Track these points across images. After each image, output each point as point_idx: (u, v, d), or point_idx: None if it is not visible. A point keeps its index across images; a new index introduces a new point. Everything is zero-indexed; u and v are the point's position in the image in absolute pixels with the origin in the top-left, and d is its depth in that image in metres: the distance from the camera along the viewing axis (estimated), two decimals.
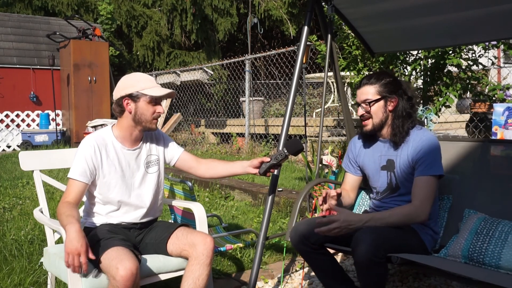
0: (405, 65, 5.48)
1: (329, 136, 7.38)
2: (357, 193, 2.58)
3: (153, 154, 2.32)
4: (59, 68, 10.17)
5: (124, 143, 2.23)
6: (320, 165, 4.07)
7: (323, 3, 2.87)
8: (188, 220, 2.78)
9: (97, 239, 2.02)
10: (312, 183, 2.77)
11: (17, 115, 10.10)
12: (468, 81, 5.23)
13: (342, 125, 7.31)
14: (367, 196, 2.67)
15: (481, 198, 2.44)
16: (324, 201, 2.20)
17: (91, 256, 1.85)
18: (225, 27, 12.82)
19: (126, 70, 12.12)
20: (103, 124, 8.43)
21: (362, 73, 5.58)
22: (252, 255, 3.25)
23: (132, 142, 2.25)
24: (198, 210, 2.44)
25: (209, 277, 2.14)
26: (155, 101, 2.18)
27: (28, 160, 2.42)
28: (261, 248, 2.44)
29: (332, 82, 8.39)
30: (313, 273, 2.59)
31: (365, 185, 2.60)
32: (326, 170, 4.08)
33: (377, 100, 2.26)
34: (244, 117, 9.27)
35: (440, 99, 5.16)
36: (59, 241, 2.35)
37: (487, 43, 5.03)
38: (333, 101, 8.76)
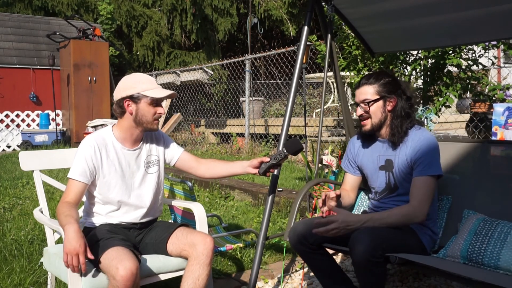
0: (405, 65, 5.48)
1: (329, 136, 7.38)
2: (357, 193, 2.58)
3: (153, 154, 2.32)
4: (59, 68, 10.17)
5: (124, 143, 2.23)
6: (320, 165, 4.07)
7: (323, 3, 2.87)
8: (188, 220, 2.78)
9: (97, 239, 2.02)
10: (311, 183, 2.77)
11: (17, 115, 10.10)
12: (468, 81, 5.23)
13: (342, 125, 7.30)
14: (366, 197, 2.67)
15: (480, 198, 2.44)
16: (324, 203, 2.20)
17: (90, 256, 1.85)
18: (225, 27, 12.82)
19: (126, 70, 12.13)
20: (103, 124, 8.43)
21: (362, 73, 5.58)
22: (252, 255, 3.25)
23: (133, 143, 2.25)
24: (198, 210, 2.44)
25: (209, 277, 2.14)
26: (156, 102, 2.19)
27: (28, 160, 2.42)
28: (261, 248, 2.44)
29: (332, 82, 8.40)
30: (313, 273, 2.59)
31: (364, 186, 2.60)
32: (326, 170, 4.08)
33: (376, 100, 2.26)
34: (244, 117, 9.28)
35: (440, 99, 5.16)
36: (59, 241, 2.35)
37: (487, 43, 5.03)
38: (333, 101, 8.76)
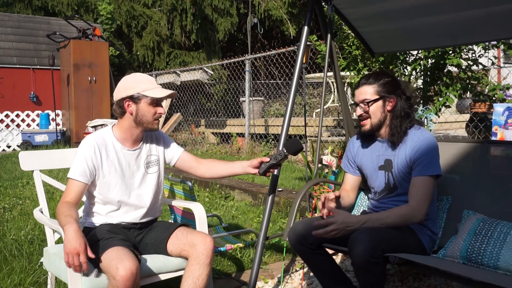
0: (405, 65, 5.48)
1: (329, 136, 7.38)
2: (357, 193, 2.58)
3: (153, 154, 2.32)
4: (59, 68, 10.17)
5: (124, 144, 2.23)
6: (320, 165, 4.07)
7: (323, 3, 2.87)
8: (188, 220, 2.78)
9: (97, 239, 2.02)
10: (311, 183, 2.77)
11: (17, 115, 10.11)
12: (468, 81, 5.23)
13: (342, 125, 7.30)
14: (366, 197, 2.67)
15: (480, 198, 2.44)
16: (323, 205, 2.20)
17: (91, 255, 1.85)
18: (225, 27, 12.83)
19: (126, 70, 12.13)
20: (103, 124, 8.43)
21: (362, 73, 5.58)
22: (252, 255, 3.25)
23: (133, 143, 2.25)
24: (198, 210, 2.44)
25: (209, 277, 2.14)
26: (156, 102, 2.19)
27: (28, 160, 2.42)
28: (261, 248, 2.44)
29: (332, 82, 8.40)
30: (312, 273, 2.59)
31: (364, 186, 2.60)
32: (326, 170, 4.08)
33: (375, 100, 2.26)
34: (244, 117, 9.28)
35: (440, 99, 5.16)
36: (59, 241, 2.35)
37: (487, 43, 5.03)
38: (333, 101, 8.76)
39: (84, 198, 2.28)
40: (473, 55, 5.21)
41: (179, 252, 2.18)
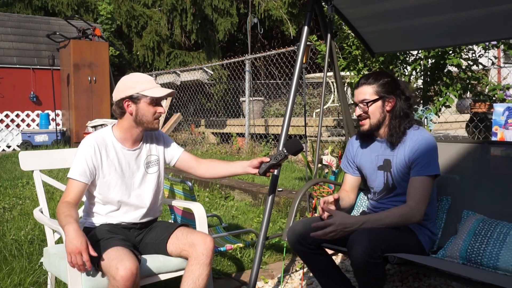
0: (405, 65, 5.48)
1: (329, 136, 7.38)
2: (357, 193, 2.58)
3: (153, 154, 2.32)
4: (59, 68, 10.17)
5: (124, 143, 2.23)
6: (320, 165, 4.07)
7: (323, 3, 2.87)
8: (188, 220, 2.78)
9: (96, 239, 2.02)
10: (310, 183, 2.77)
11: (17, 115, 10.11)
12: (468, 81, 5.23)
13: (342, 125, 7.31)
14: (365, 197, 2.67)
15: (480, 199, 2.43)
16: (324, 210, 2.19)
17: (93, 253, 1.85)
18: (225, 27, 12.83)
19: (126, 70, 12.13)
20: (103, 124, 8.43)
21: (362, 73, 5.58)
22: (252, 255, 3.25)
23: (133, 143, 2.25)
24: (198, 210, 2.44)
25: (209, 277, 2.14)
26: (156, 101, 2.18)
27: (28, 160, 2.42)
28: (261, 248, 2.44)
29: (332, 82, 8.40)
30: (312, 273, 2.59)
31: (364, 186, 2.60)
32: (326, 170, 4.08)
33: (375, 101, 2.26)
34: (244, 117, 9.28)
35: (440, 99, 5.16)
36: (59, 241, 2.35)
37: (487, 43, 5.03)
38: (333, 101, 8.76)
39: (84, 198, 2.28)
40: (473, 55, 5.20)
41: (179, 252, 2.18)
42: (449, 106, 5.28)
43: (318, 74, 8.80)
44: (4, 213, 4.27)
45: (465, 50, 5.13)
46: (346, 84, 7.04)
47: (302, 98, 10.07)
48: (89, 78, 9.62)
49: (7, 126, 9.98)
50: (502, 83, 6.51)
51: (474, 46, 5.30)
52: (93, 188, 2.19)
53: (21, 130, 9.71)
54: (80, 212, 2.30)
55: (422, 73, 5.39)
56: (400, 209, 2.13)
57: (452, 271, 1.91)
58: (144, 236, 2.29)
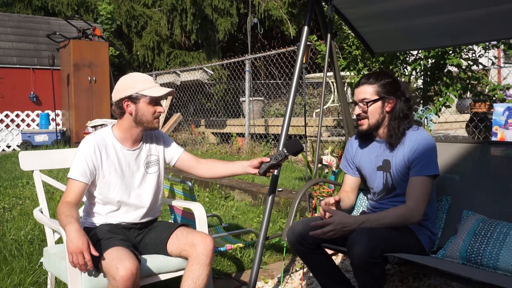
0: (405, 65, 5.48)
1: (329, 136, 7.38)
2: (357, 194, 2.58)
3: (153, 154, 2.32)
4: (59, 68, 10.17)
5: (124, 143, 2.23)
6: (320, 165, 4.07)
7: (323, 3, 2.87)
8: (188, 220, 2.78)
9: (97, 239, 2.02)
10: (310, 183, 2.77)
11: (17, 115, 10.10)
12: (468, 81, 5.23)
13: (342, 125, 7.31)
14: (365, 197, 2.67)
15: (479, 199, 2.43)
16: (325, 212, 2.19)
17: (94, 253, 1.85)
18: (225, 27, 12.83)
19: (126, 70, 12.12)
20: (103, 124, 8.43)
21: (362, 73, 5.58)
22: (252, 255, 3.25)
23: (132, 143, 2.25)
24: (198, 210, 2.44)
25: (209, 277, 2.14)
26: (155, 101, 2.18)
27: (28, 160, 2.42)
28: (261, 248, 2.44)
29: (332, 82, 8.40)
30: (311, 273, 2.59)
31: (364, 186, 2.60)
32: (326, 170, 4.08)
33: (375, 101, 2.26)
34: (244, 117, 9.28)
35: (440, 99, 5.16)
36: (59, 241, 2.35)
37: (487, 43, 5.03)
38: (333, 101, 8.76)
39: (84, 198, 2.27)
40: (473, 55, 5.20)
41: (179, 252, 2.18)
42: (449, 106, 5.28)
43: (318, 74, 8.80)
44: (4, 213, 4.27)
45: (465, 50, 5.13)
46: (346, 84, 7.04)
47: (302, 98, 10.07)
48: (89, 78, 9.62)
49: (7, 126, 9.98)
50: (502, 83, 6.51)
51: (474, 46, 5.30)
52: (93, 188, 2.19)
53: (21, 130, 9.71)
54: (80, 212, 2.30)
55: (422, 73, 5.39)
56: (400, 209, 2.13)
57: (452, 271, 1.91)
58: (144, 236, 2.29)
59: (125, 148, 2.23)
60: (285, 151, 2.20)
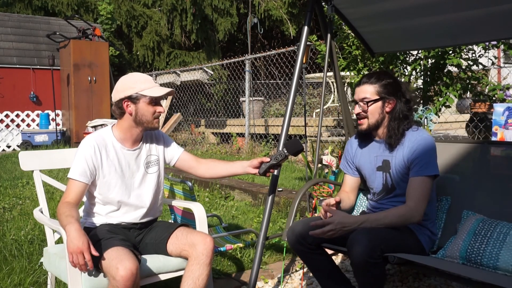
0: (405, 65, 5.48)
1: (329, 136, 7.38)
2: (357, 194, 2.58)
3: (153, 154, 2.32)
4: (59, 68, 10.17)
5: (124, 144, 2.23)
6: (320, 165, 4.07)
7: (323, 3, 2.87)
8: (188, 220, 2.78)
9: (97, 239, 2.02)
10: (310, 183, 2.77)
11: (17, 115, 10.11)
12: (468, 81, 5.23)
13: (342, 125, 7.30)
14: (365, 197, 2.67)
15: (479, 199, 2.43)
16: (326, 212, 2.19)
17: (94, 253, 1.85)
18: (225, 27, 12.83)
19: (126, 70, 12.13)
20: (103, 124, 8.43)
21: (362, 73, 5.58)
22: (252, 255, 3.25)
23: (132, 143, 2.25)
24: (198, 210, 2.44)
25: (209, 277, 2.14)
26: (155, 101, 2.18)
27: (28, 160, 2.42)
28: (261, 248, 2.44)
29: (332, 82, 8.40)
30: (311, 273, 2.59)
31: (364, 186, 2.60)
32: (326, 170, 4.08)
33: (375, 101, 2.26)
34: (244, 117, 9.28)
35: (440, 99, 5.16)
36: (59, 241, 2.35)
37: (487, 43, 5.03)
38: (333, 101, 8.76)
39: (84, 198, 2.27)
40: (473, 55, 5.21)
41: (179, 252, 2.18)
42: (449, 106, 5.28)
43: (318, 74, 8.80)
44: (4, 213, 4.27)
45: (465, 50, 5.13)
46: (346, 84, 7.04)
47: (302, 98, 10.07)
48: (89, 78, 9.62)
49: (7, 126, 9.98)
50: (502, 83, 6.51)
51: (474, 46, 5.30)
52: (93, 188, 2.19)
53: (21, 130, 9.71)
54: (80, 212, 2.30)
55: (422, 73, 5.39)
56: (400, 209, 2.13)
57: (452, 271, 1.91)
58: (144, 236, 2.29)
59: (125, 148, 2.23)
60: (285, 151, 2.20)
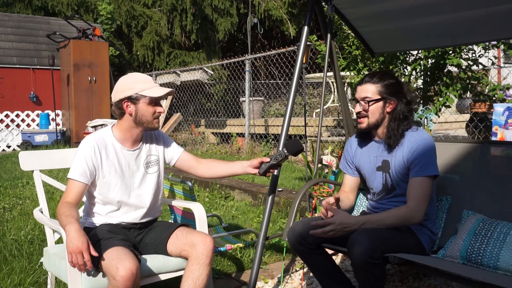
0: (405, 65, 5.48)
1: (329, 136, 7.38)
2: (356, 194, 2.58)
3: (153, 154, 2.32)
4: (59, 68, 10.17)
5: (124, 144, 2.23)
6: (320, 165, 4.07)
7: (323, 3, 2.87)
8: (188, 220, 2.79)
9: (97, 239, 2.02)
10: (310, 183, 2.77)
11: (17, 115, 10.11)
12: (468, 81, 5.23)
13: (342, 125, 7.30)
14: (365, 197, 2.67)
15: (480, 199, 2.43)
16: (327, 211, 2.19)
17: (94, 253, 1.85)
18: (225, 27, 12.83)
19: (126, 70, 12.13)
20: (103, 124, 8.43)
21: (362, 73, 5.58)
22: (252, 255, 3.25)
23: (132, 143, 2.25)
24: (198, 210, 2.44)
25: (209, 277, 2.14)
26: (155, 101, 2.18)
27: (28, 160, 2.42)
28: (261, 248, 2.44)
29: (332, 82, 8.40)
30: (312, 273, 2.59)
31: (364, 186, 2.60)
32: (326, 170, 4.08)
33: (376, 100, 2.26)
34: (244, 117, 9.28)
35: (440, 99, 5.16)
36: (59, 241, 2.35)
37: (487, 43, 5.03)
38: (333, 101, 8.76)
39: (84, 198, 2.28)
40: (473, 55, 5.20)
41: (179, 252, 2.18)
42: (449, 106, 5.28)
43: (318, 74, 8.80)
44: (4, 213, 4.27)
45: (465, 50, 5.13)
46: (346, 84, 7.04)
47: (302, 98, 10.07)
48: (89, 78, 9.63)
49: (7, 126, 9.98)
50: (502, 83, 6.51)
51: (474, 46, 5.30)
52: (93, 188, 2.19)
53: (21, 130, 9.71)
54: (80, 212, 2.30)
55: (422, 73, 5.39)
56: (400, 210, 2.13)
57: (452, 271, 1.91)
58: (144, 236, 2.29)
59: (125, 148, 2.23)
60: (285, 151, 2.20)
